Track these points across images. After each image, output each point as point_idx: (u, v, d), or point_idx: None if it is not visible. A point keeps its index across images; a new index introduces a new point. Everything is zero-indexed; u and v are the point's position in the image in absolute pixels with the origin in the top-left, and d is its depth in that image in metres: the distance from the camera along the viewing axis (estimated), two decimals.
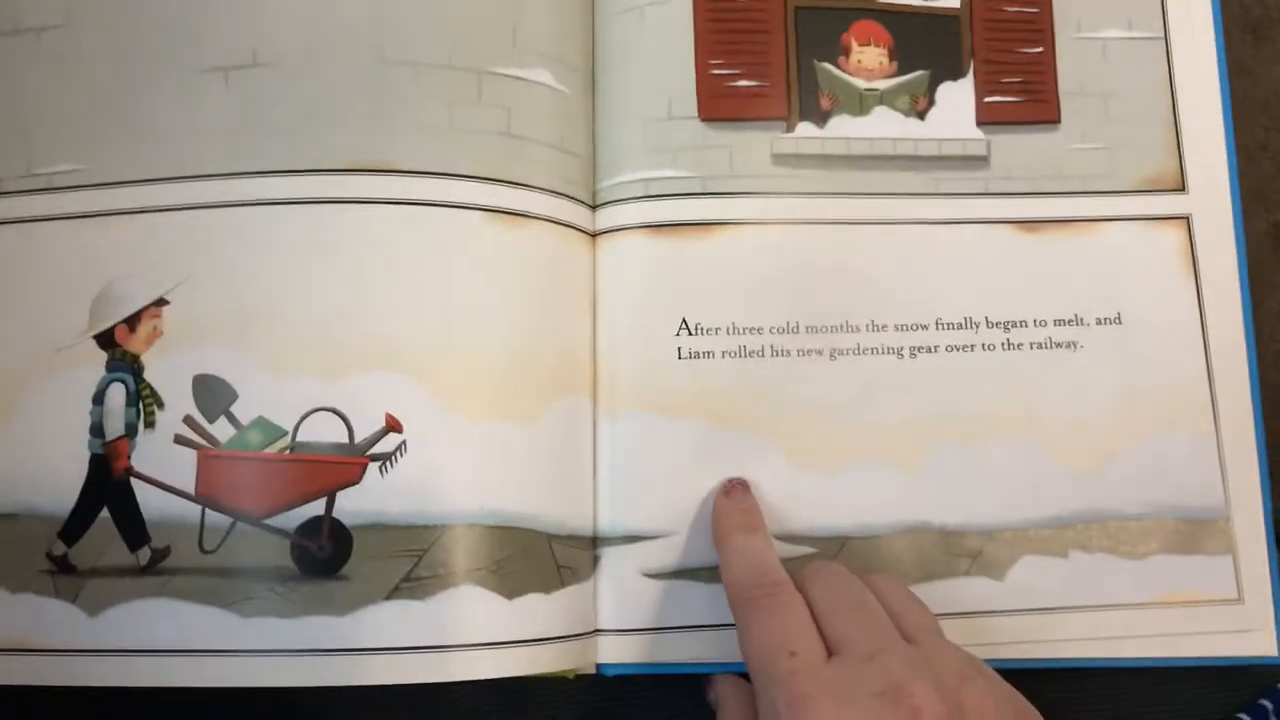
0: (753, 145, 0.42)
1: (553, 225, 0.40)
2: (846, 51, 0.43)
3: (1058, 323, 0.42)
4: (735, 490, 0.39)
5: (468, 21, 0.40)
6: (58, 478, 0.37)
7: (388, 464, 0.37)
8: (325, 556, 0.36)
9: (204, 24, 0.39)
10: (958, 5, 0.44)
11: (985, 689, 0.32)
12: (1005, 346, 0.42)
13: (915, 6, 0.43)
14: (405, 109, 0.39)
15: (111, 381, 0.38)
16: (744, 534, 0.38)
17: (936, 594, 0.40)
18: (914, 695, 0.31)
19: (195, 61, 0.39)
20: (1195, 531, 0.41)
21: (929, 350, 0.41)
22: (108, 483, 0.37)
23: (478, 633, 0.36)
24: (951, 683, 0.32)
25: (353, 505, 0.37)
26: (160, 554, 0.37)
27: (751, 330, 0.41)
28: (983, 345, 0.42)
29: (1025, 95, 0.43)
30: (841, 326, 0.41)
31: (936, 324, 0.42)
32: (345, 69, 0.39)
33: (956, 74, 0.43)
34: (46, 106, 0.40)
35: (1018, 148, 0.43)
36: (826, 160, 0.42)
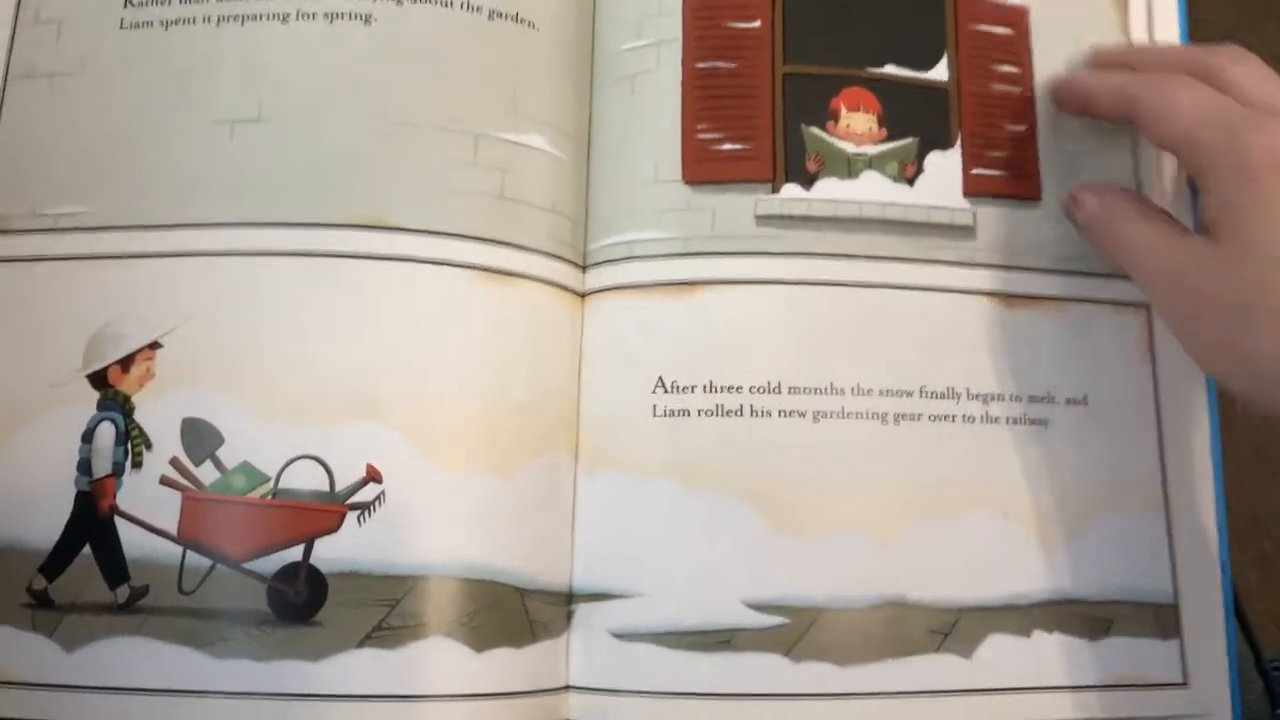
0: (736, 206, 0.42)
1: (543, 285, 0.41)
2: (835, 116, 0.44)
3: (1032, 399, 0.43)
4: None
5: (467, 87, 0.41)
6: (43, 512, 0.38)
7: (366, 513, 0.38)
8: (300, 602, 0.37)
9: (213, 78, 0.41)
10: (946, 79, 0.45)
11: None
12: (983, 419, 0.42)
13: (905, 77, 0.44)
14: (402, 168, 0.40)
15: (102, 420, 0.39)
16: None
17: (911, 672, 0.40)
18: None
19: (202, 113, 0.40)
20: (1145, 615, 0.42)
21: (912, 418, 0.42)
22: (92, 520, 0.38)
23: (446, 684, 0.37)
24: None
25: (330, 553, 0.37)
26: (139, 593, 0.37)
27: (730, 389, 0.41)
28: (963, 417, 0.42)
29: (1009, 170, 0.44)
30: (827, 389, 0.41)
31: (920, 392, 0.42)
32: (347, 127, 0.40)
33: (945, 144, 0.44)
34: (55, 150, 0.41)
35: (1002, 221, 0.44)
36: (812, 222, 0.43)
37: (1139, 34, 0.46)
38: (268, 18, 0.41)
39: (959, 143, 0.44)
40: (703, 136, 0.43)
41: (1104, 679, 0.41)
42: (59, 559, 0.38)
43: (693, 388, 0.41)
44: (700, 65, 0.43)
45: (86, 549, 0.38)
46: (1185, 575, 0.42)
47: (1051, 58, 0.45)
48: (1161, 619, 0.42)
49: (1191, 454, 0.43)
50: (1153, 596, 0.42)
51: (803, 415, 0.41)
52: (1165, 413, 0.43)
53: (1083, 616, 0.41)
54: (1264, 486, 0.85)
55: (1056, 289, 0.44)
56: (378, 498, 0.38)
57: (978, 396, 0.42)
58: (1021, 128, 0.45)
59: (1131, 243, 0.40)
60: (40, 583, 0.38)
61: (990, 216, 0.44)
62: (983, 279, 0.43)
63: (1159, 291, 0.39)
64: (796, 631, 0.40)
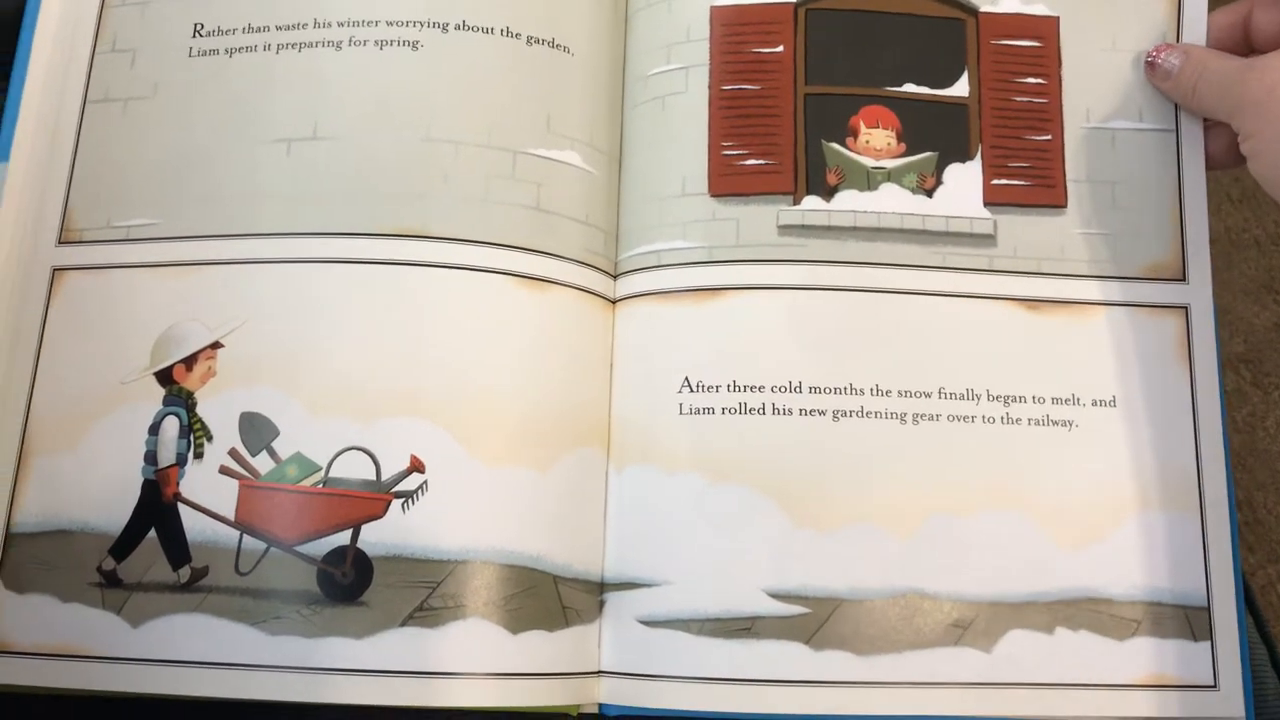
0: (759, 217, 0.44)
1: (575, 291, 0.44)
2: (855, 133, 0.45)
3: (1055, 401, 0.43)
4: None
5: (506, 108, 0.44)
6: (113, 499, 0.41)
7: (410, 501, 0.40)
8: (348, 583, 0.40)
9: (273, 100, 0.44)
10: (966, 94, 0.46)
11: None
12: (1004, 420, 0.43)
13: (923, 95, 0.46)
14: (446, 182, 0.43)
15: (167, 415, 0.42)
16: None
17: (929, 663, 0.41)
18: None
19: (262, 133, 0.44)
20: (1177, 616, 0.42)
21: (931, 418, 0.43)
22: (157, 506, 0.41)
23: (483, 662, 0.39)
24: None
25: (375, 537, 0.40)
26: (199, 573, 0.40)
27: (753, 388, 0.43)
28: (983, 417, 0.43)
29: (1032, 180, 0.45)
30: (846, 389, 0.43)
31: (939, 393, 0.43)
32: (395, 144, 0.43)
33: (964, 156, 0.45)
34: (128, 167, 0.44)
35: (1024, 228, 0.44)
36: (833, 231, 0.44)
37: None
38: (323, 45, 0.44)
39: (979, 154, 0.45)
40: (728, 153, 0.45)
41: (1131, 679, 0.41)
42: (127, 542, 0.41)
43: (717, 387, 0.43)
44: (726, 87, 0.46)
45: (152, 533, 0.41)
46: (1218, 577, 0.42)
47: (1087, 63, 0.45)
48: (1194, 620, 0.42)
49: (1223, 455, 0.43)
50: (1185, 598, 0.42)
51: (823, 414, 0.43)
52: (1201, 413, 0.43)
53: (1110, 616, 0.42)
54: None
55: (1083, 293, 0.44)
56: (421, 487, 0.40)
57: (998, 398, 0.43)
58: (1047, 137, 0.45)
59: (1212, 74, 0.43)
60: (110, 563, 0.41)
61: (1013, 224, 0.44)
62: (1005, 285, 0.44)
63: (1247, 105, 0.42)
64: (817, 620, 0.41)
